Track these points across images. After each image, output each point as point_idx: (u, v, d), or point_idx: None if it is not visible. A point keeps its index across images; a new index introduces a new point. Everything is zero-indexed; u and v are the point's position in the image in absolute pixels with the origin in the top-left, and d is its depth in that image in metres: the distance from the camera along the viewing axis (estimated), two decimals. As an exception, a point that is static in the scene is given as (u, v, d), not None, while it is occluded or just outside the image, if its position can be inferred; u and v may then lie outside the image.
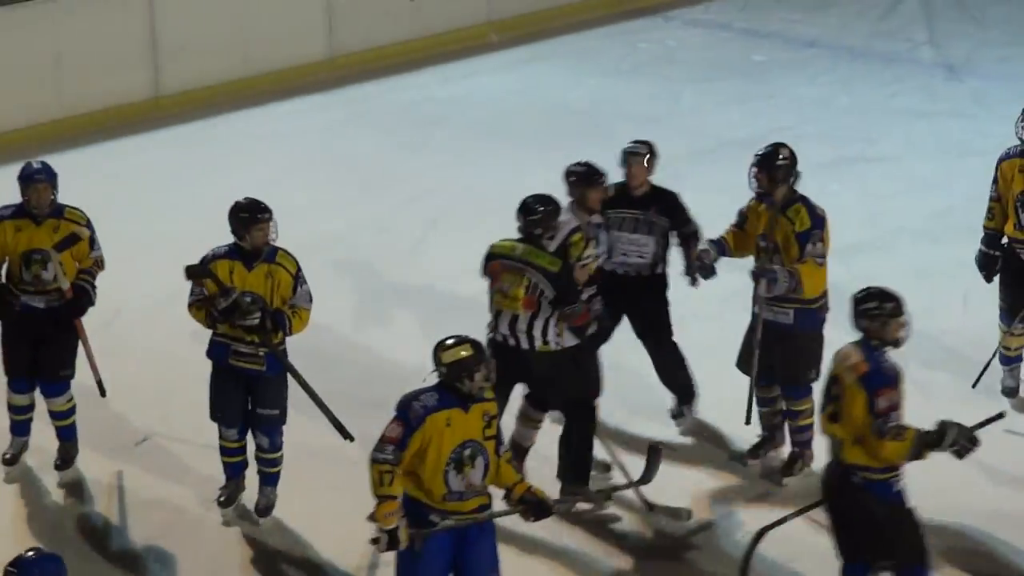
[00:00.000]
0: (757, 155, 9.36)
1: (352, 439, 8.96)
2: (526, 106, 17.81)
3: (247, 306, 8.21)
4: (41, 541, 8.36)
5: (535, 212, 9.28)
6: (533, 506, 7.49)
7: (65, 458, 9.16)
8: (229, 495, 8.95)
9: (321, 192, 15.16)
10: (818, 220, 9.15)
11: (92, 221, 9.04)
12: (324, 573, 8.66)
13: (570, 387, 9.85)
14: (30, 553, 5.98)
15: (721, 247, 9.80)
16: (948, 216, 14.09)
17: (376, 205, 15.03)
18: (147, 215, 14.53)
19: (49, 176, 8.75)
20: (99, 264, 8.89)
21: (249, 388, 8.75)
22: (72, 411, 9.04)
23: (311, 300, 8.74)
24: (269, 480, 9.04)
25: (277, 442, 8.86)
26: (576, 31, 20.26)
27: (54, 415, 9.01)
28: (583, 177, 9.70)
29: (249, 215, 8.48)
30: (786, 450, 9.49)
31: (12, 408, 9.08)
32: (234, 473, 9.05)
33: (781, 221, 9.22)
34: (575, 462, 9.99)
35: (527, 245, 9.32)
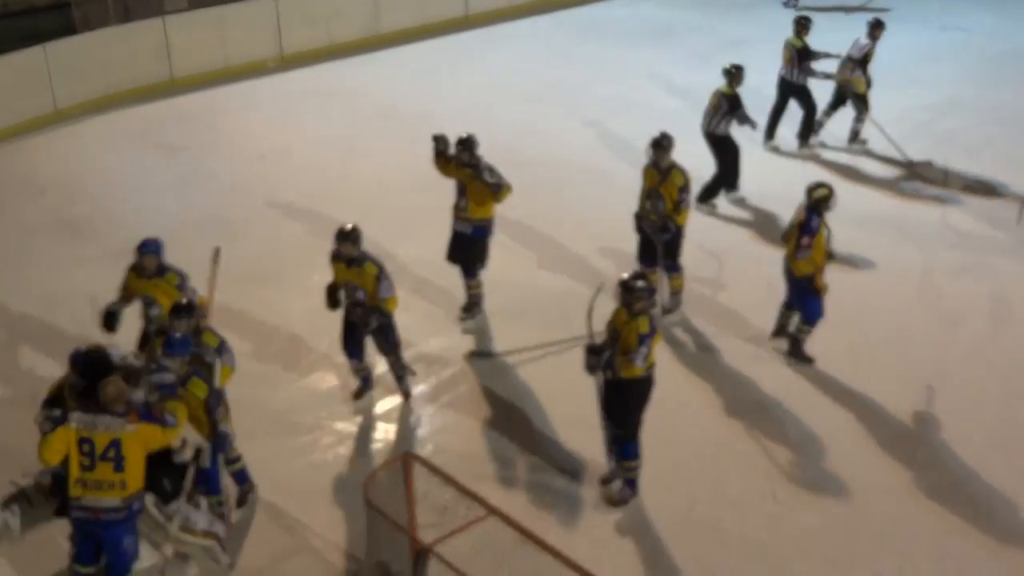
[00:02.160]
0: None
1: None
2: (638, 23, 18.29)
3: (365, 317, 7.85)
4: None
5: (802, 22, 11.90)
6: None
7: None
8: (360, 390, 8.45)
9: (536, 67, 16.20)
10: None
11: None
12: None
13: None
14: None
15: None
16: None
17: (561, 71, 16.00)
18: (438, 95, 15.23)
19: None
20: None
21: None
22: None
23: (391, 290, 7.87)
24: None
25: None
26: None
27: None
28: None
29: (339, 236, 7.87)
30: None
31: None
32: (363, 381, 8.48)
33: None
34: None
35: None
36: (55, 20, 15.45)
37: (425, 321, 9.49)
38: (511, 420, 8.24)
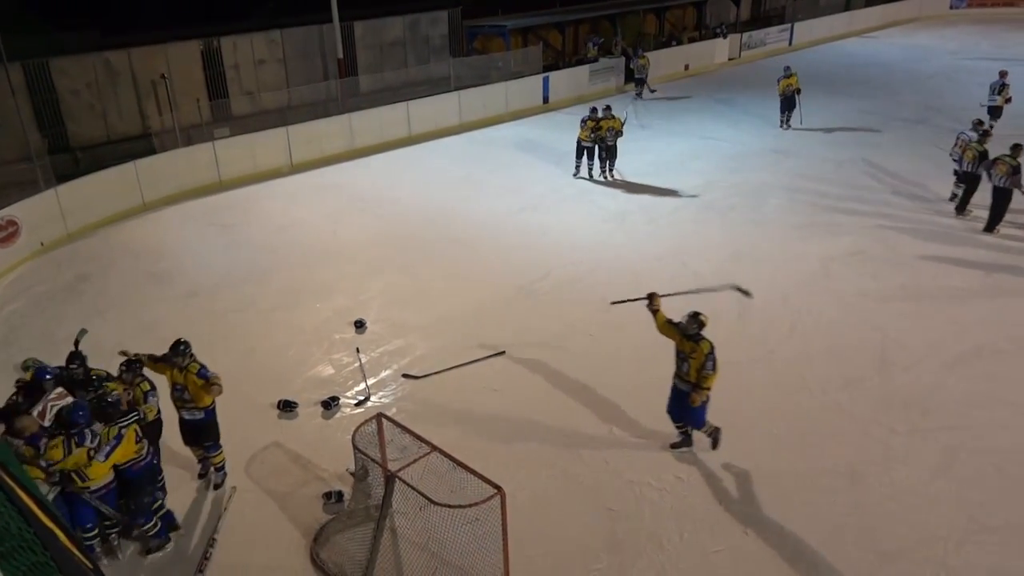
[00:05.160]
0: None
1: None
2: (518, 138, 17.22)
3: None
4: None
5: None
6: None
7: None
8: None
9: (455, 166, 15.24)
10: None
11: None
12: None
13: None
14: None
15: None
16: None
17: (470, 168, 15.01)
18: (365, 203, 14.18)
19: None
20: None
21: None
22: None
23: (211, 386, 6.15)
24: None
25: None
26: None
27: None
28: None
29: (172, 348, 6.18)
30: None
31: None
32: None
33: None
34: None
35: None
36: (142, 145, 15.17)
37: (391, 329, 9.20)
38: (442, 397, 7.90)
